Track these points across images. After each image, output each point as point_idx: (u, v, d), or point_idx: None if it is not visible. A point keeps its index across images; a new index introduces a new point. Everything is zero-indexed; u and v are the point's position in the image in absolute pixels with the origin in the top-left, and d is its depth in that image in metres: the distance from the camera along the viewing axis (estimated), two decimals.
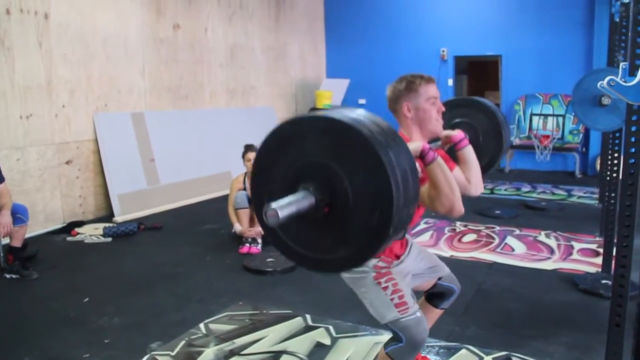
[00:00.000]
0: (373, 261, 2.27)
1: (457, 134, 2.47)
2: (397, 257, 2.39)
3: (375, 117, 1.63)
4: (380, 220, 1.53)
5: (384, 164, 1.48)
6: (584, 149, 9.38)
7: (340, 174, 1.56)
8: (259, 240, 5.14)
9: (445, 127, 2.50)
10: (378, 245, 1.59)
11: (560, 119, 9.48)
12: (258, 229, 5.14)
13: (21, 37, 5.55)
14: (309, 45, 10.90)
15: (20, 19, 5.52)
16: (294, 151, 1.63)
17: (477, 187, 2.50)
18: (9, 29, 5.42)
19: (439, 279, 2.66)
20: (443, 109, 2.42)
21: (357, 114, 1.59)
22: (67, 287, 4.28)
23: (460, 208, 2.13)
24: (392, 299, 2.25)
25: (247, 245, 5.07)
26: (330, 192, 1.57)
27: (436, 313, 2.74)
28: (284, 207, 1.49)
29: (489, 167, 2.86)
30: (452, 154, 2.54)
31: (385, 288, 2.27)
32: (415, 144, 2.07)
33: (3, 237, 4.33)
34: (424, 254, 2.64)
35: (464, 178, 2.47)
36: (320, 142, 1.59)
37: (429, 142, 2.41)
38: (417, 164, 2.03)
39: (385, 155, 1.49)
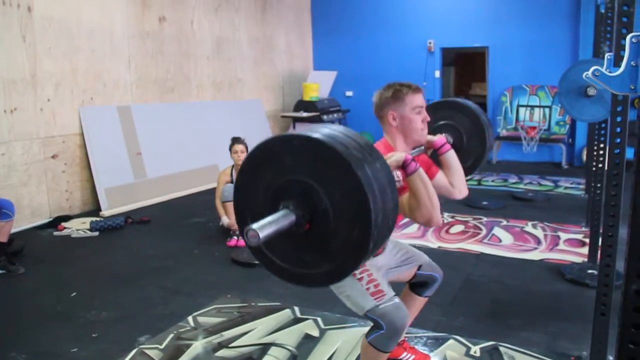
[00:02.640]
0: None
1: (439, 139, 2.51)
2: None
3: (352, 132, 1.66)
4: (359, 235, 1.56)
5: (361, 181, 1.51)
6: (570, 140, 9.44)
7: (319, 191, 1.58)
8: None
9: (429, 129, 2.52)
10: (358, 260, 1.62)
11: (547, 110, 9.53)
12: None
13: (4, 30, 5.48)
14: (296, 38, 10.87)
15: (2, 12, 5.45)
16: (273, 170, 1.66)
17: (461, 190, 2.55)
18: None
19: (419, 268, 2.67)
20: (428, 118, 2.44)
21: (334, 130, 1.62)
22: (55, 282, 4.26)
23: (438, 219, 2.16)
24: (367, 289, 2.27)
25: (235, 238, 5.07)
26: (310, 209, 1.60)
27: (420, 301, 2.75)
28: (265, 227, 1.51)
29: (473, 168, 2.89)
30: (435, 158, 2.57)
31: (360, 279, 2.29)
32: (398, 155, 2.09)
33: None
34: (399, 246, 2.67)
35: (447, 182, 2.51)
36: (298, 160, 1.61)
37: (413, 148, 2.45)
38: (399, 173, 2.10)
39: (361, 171, 1.52)
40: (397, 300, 2.28)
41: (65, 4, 6.13)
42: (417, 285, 2.72)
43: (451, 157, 2.52)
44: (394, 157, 2.08)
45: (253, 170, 1.71)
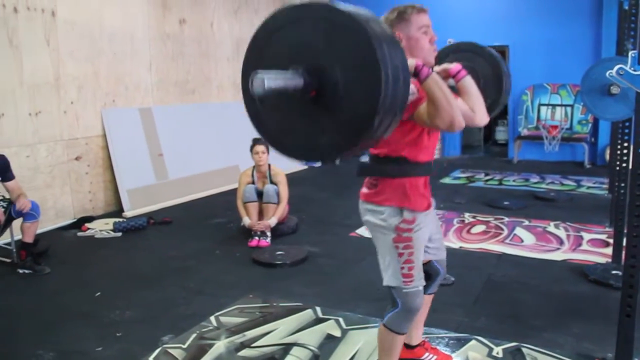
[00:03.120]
0: (396, 220, 2.26)
1: (454, 66, 2.40)
2: (423, 208, 2.34)
3: (375, 15, 1.62)
4: (366, 110, 1.53)
5: (377, 54, 1.48)
6: (592, 139, 9.34)
7: (332, 60, 1.56)
8: (268, 234, 5.15)
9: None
10: (360, 135, 1.59)
11: (569, 109, 9.44)
12: (267, 222, 5.16)
13: (29, 35, 5.57)
14: None
15: (27, 17, 5.54)
16: (288, 35, 1.64)
17: (482, 116, 2.42)
18: (17, 27, 5.44)
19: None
20: (436, 37, 2.34)
21: (357, 7, 1.59)
22: (79, 282, 4.31)
23: (460, 121, 2.06)
24: (402, 268, 2.27)
25: (256, 238, 5.09)
26: (319, 77, 1.58)
27: (427, 300, 2.71)
28: (272, 78, 1.49)
29: (489, 113, 2.82)
30: (452, 88, 2.42)
31: (401, 255, 2.27)
32: (409, 61, 1.94)
33: (22, 210, 4.39)
34: (438, 229, 2.66)
35: (468, 108, 2.37)
36: (315, 28, 1.58)
37: None
38: (412, 86, 2.00)
39: (379, 46, 1.49)
40: (420, 288, 2.32)
41: (87, 8, 6.21)
42: None
43: (469, 82, 2.40)
44: None
45: (269, 33, 1.68)
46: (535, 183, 7.80)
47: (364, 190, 2.39)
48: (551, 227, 5.44)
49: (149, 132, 6.99)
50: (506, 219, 5.80)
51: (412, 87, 2.03)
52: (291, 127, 1.72)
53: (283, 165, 5.50)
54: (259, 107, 1.73)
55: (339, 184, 7.82)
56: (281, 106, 1.68)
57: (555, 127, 9.29)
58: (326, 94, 1.59)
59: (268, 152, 5.31)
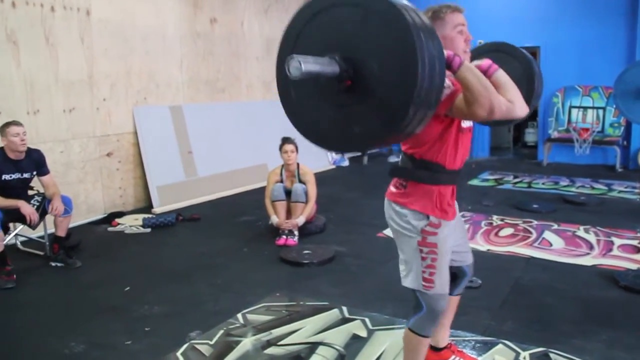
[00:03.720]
0: (422, 223, 2.24)
1: (485, 61, 2.32)
2: (448, 218, 2.31)
3: (412, 5, 1.62)
4: (401, 98, 1.52)
5: (414, 42, 1.47)
6: (625, 142, 9.18)
7: (368, 48, 1.54)
8: (296, 233, 5.18)
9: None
10: (394, 125, 1.58)
11: (601, 111, 9.30)
12: (295, 221, 5.19)
13: (64, 33, 5.69)
14: None
15: (63, 16, 5.66)
16: (323, 22, 1.63)
17: (522, 106, 2.31)
18: (54, 26, 5.56)
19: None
20: (471, 37, 2.32)
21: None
22: (109, 276, 4.39)
23: (500, 105, 2.03)
24: (423, 272, 2.26)
25: (284, 237, 5.12)
26: (355, 65, 1.57)
27: (453, 301, 2.72)
28: (309, 62, 1.49)
29: None
30: None
31: (424, 259, 2.26)
32: None
33: (54, 215, 4.48)
34: (463, 235, 2.67)
35: (505, 100, 2.24)
36: (353, 15, 1.57)
37: None
38: (448, 80, 1.99)
39: (417, 35, 1.48)
40: (445, 292, 2.31)
41: (121, 7, 6.31)
42: None
43: (502, 75, 2.30)
44: None
45: (306, 19, 1.69)
46: (565, 186, 7.69)
47: (392, 189, 2.36)
48: (581, 232, 5.37)
49: (179, 129, 7.07)
50: (535, 222, 5.73)
51: (447, 81, 2.00)
52: (325, 117, 1.71)
53: (312, 165, 5.53)
54: (294, 98, 1.73)
55: (367, 184, 7.83)
56: (315, 96, 1.69)
57: (587, 129, 9.15)
58: (361, 83, 1.58)
59: (297, 151, 5.33)
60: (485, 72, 2.30)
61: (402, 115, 1.55)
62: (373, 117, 1.60)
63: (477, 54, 2.46)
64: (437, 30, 2.20)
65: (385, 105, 1.57)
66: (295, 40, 1.73)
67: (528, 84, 2.86)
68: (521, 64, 2.86)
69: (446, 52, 1.96)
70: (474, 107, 1.99)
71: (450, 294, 2.63)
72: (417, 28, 1.51)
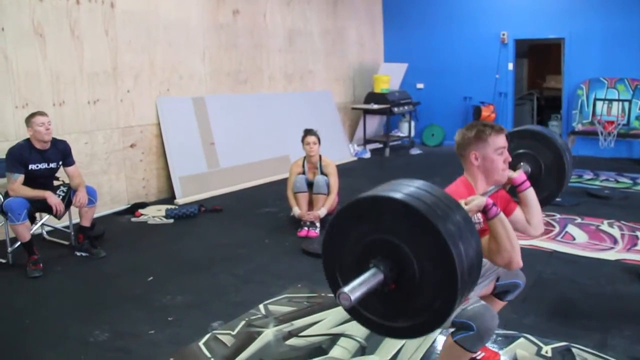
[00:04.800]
0: None
1: (519, 175, 2.52)
2: None
3: (453, 204, 1.72)
4: (442, 305, 1.63)
5: (454, 258, 1.56)
6: None
7: (411, 257, 1.65)
8: (317, 224, 5.19)
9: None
10: (437, 325, 1.71)
11: (627, 104, 9.13)
12: (316, 212, 5.19)
13: (89, 25, 5.74)
14: (367, 29, 10.84)
15: (88, 8, 5.71)
16: (368, 226, 1.74)
17: (537, 228, 2.56)
18: (79, 18, 5.62)
19: (497, 280, 2.64)
20: (510, 159, 2.44)
21: (435, 200, 1.67)
22: (133, 266, 4.44)
23: (519, 261, 2.17)
24: None
25: (306, 228, 5.13)
26: (398, 271, 1.67)
27: (499, 305, 2.75)
28: (355, 289, 1.60)
29: (545, 203, 2.87)
30: (514, 193, 2.59)
31: None
32: (479, 200, 2.10)
33: (78, 207, 4.53)
34: None
35: (524, 218, 2.53)
36: (396, 223, 1.67)
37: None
38: (479, 215, 2.16)
39: (455, 248, 1.57)
40: (483, 302, 2.27)
41: None
42: (499, 293, 2.71)
43: (530, 194, 2.53)
44: (475, 202, 2.09)
45: (349, 220, 1.80)
46: (589, 180, 7.58)
47: None
48: (604, 226, 5.30)
49: (201, 121, 7.11)
50: (558, 215, 5.67)
51: (478, 216, 2.17)
52: (369, 305, 1.81)
53: (334, 157, 5.52)
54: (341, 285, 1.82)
55: (388, 176, 7.72)
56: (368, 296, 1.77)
57: (612, 122, 8.99)
58: (404, 287, 1.69)
59: (320, 143, 5.33)
60: (518, 186, 2.52)
61: (443, 320, 1.68)
62: (416, 316, 1.72)
63: (510, 138, 2.53)
64: (479, 150, 2.38)
65: (426, 309, 1.68)
66: (340, 238, 1.86)
67: (558, 175, 2.95)
68: (553, 153, 2.93)
69: (485, 200, 2.10)
70: (494, 256, 2.17)
71: (500, 299, 2.73)
72: (454, 237, 1.60)
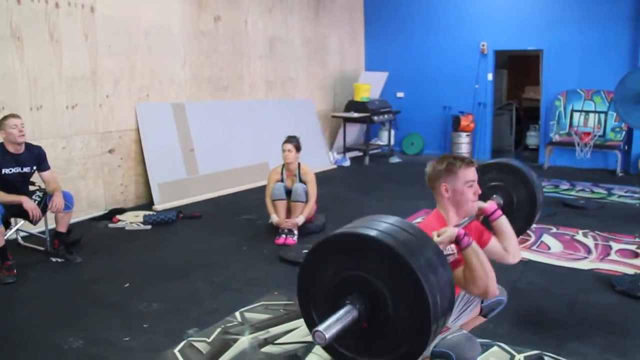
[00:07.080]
0: None
1: (490, 205, 2.57)
2: None
3: (424, 239, 1.82)
4: (419, 324, 1.70)
5: (426, 292, 1.64)
6: (626, 147, 9.16)
7: (385, 293, 1.72)
8: (295, 232, 5.19)
9: (481, 187, 2.56)
10: (423, 344, 1.75)
11: (602, 115, 9.28)
12: (294, 220, 5.20)
13: (69, 29, 5.71)
14: (348, 38, 10.90)
15: (68, 12, 5.68)
16: (343, 262, 1.79)
17: (515, 255, 2.59)
18: (57, 22, 5.59)
19: (482, 302, 2.65)
20: (480, 191, 2.48)
21: (407, 235, 1.75)
22: (109, 272, 4.41)
23: (494, 290, 2.21)
24: None
25: (284, 236, 5.14)
26: (372, 306, 1.74)
27: (481, 320, 2.79)
28: (330, 328, 1.67)
29: (522, 231, 2.99)
30: (487, 223, 2.63)
31: None
32: (451, 231, 2.15)
33: (54, 212, 4.48)
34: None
35: (501, 247, 2.55)
36: (369, 260, 1.73)
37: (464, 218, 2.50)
38: (453, 247, 2.21)
39: (426, 281, 1.65)
40: (465, 331, 2.26)
41: (125, 4, 6.34)
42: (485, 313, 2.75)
43: (503, 223, 2.57)
44: (447, 233, 2.13)
45: (325, 255, 1.86)
46: (565, 190, 7.69)
47: None
48: (579, 236, 5.38)
49: (181, 127, 7.09)
50: (533, 225, 5.72)
51: (452, 247, 2.21)
52: (343, 340, 1.86)
53: (313, 164, 5.54)
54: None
55: (367, 184, 7.83)
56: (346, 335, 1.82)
57: (588, 133, 9.13)
58: (377, 324, 1.76)
59: (298, 151, 5.34)
60: (490, 215, 2.56)
61: (426, 335, 1.73)
62: (392, 351, 1.77)
63: (486, 170, 2.59)
64: (448, 183, 2.43)
65: (407, 332, 1.74)
66: (314, 271, 1.92)
67: (529, 212, 3.05)
68: (527, 190, 3.04)
69: (457, 232, 2.15)
70: (470, 285, 2.21)
71: (484, 316, 2.75)
72: (425, 272, 1.67)
